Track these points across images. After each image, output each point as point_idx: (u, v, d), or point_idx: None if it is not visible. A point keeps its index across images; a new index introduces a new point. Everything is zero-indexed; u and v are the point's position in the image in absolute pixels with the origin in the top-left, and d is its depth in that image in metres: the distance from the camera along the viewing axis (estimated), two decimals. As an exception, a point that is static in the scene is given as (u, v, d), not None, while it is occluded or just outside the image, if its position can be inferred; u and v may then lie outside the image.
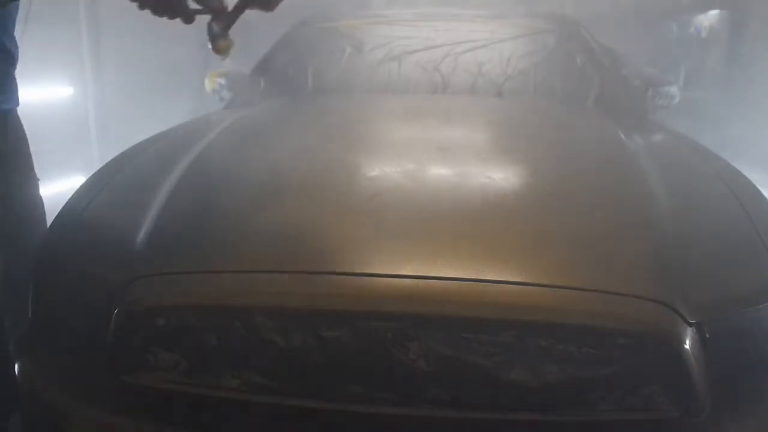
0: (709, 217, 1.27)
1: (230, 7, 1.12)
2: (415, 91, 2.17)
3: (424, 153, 1.48)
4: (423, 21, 2.51)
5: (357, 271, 1.03)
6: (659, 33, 5.92)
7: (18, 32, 1.39)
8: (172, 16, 1.09)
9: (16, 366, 1.22)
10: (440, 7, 2.84)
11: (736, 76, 5.55)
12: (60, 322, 1.20)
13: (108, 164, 1.57)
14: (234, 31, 1.13)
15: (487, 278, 1.01)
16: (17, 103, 1.42)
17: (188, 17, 1.10)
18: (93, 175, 1.52)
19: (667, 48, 5.85)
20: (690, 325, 0.98)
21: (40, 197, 1.50)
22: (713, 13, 5.76)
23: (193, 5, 1.10)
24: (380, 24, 2.51)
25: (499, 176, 1.36)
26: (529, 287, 1.01)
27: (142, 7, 1.07)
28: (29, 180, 1.47)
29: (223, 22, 1.11)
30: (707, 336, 0.99)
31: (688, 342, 0.96)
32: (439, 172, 1.39)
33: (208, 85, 2.66)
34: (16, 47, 1.39)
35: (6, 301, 1.30)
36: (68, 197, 1.42)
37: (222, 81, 2.61)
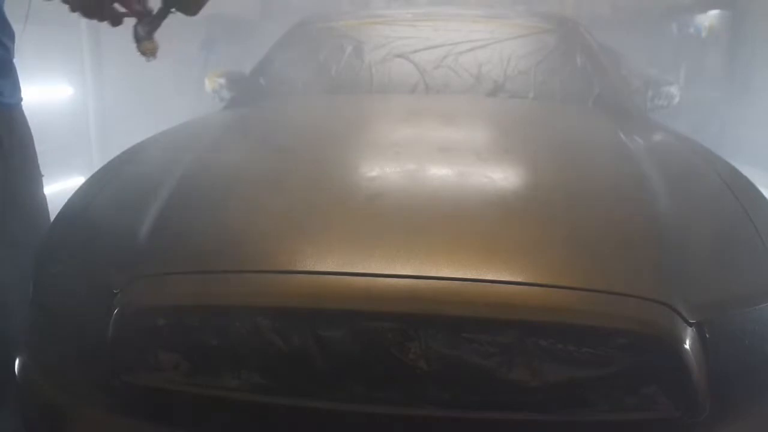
0: (708, 217, 1.27)
1: (154, 11, 1.21)
2: (414, 92, 2.17)
3: (424, 153, 1.48)
4: (423, 21, 2.51)
5: (357, 271, 1.03)
6: (659, 33, 5.92)
7: (18, 32, 1.39)
8: (101, 19, 1.19)
9: (16, 365, 1.22)
10: (440, 7, 2.84)
11: (736, 76, 5.55)
12: (60, 321, 1.20)
13: (108, 164, 1.57)
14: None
15: (487, 278, 1.01)
16: (20, 98, 1.41)
17: (116, 20, 1.20)
18: (93, 175, 1.52)
19: (667, 48, 5.85)
20: (690, 325, 0.98)
21: (44, 195, 1.49)
22: (713, 13, 5.77)
23: (121, 9, 1.20)
24: (380, 24, 2.50)
25: (499, 176, 1.36)
26: (529, 287, 1.01)
27: (73, 9, 1.17)
28: (34, 177, 1.47)
29: (147, 26, 1.20)
30: (707, 336, 0.99)
31: (688, 342, 0.96)
32: (439, 172, 1.39)
33: (208, 85, 2.66)
34: (8, 37, 1.37)
35: (7, 299, 1.30)
36: (68, 197, 1.42)
37: (222, 81, 2.61)
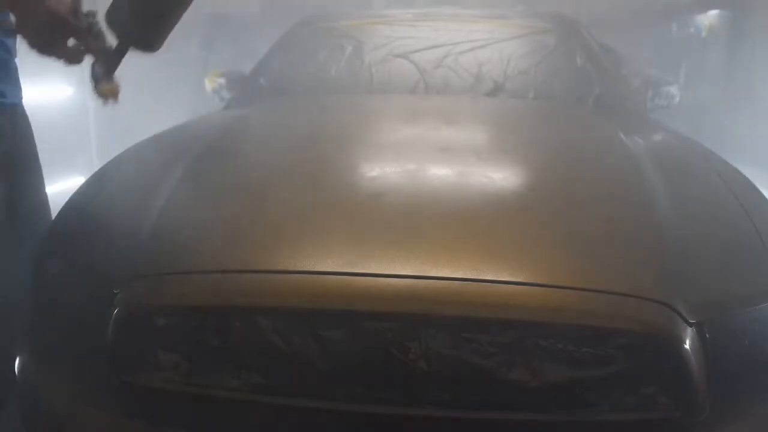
0: (709, 217, 1.27)
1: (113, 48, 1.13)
2: (414, 92, 2.17)
3: (424, 153, 1.48)
4: (423, 21, 2.51)
5: (357, 271, 1.03)
6: (659, 33, 5.93)
7: None
8: (58, 57, 1.12)
9: (17, 364, 1.22)
10: (440, 7, 2.85)
11: (736, 76, 5.55)
12: (60, 321, 1.20)
13: (108, 164, 1.57)
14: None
15: (487, 278, 1.01)
16: (21, 98, 1.41)
17: (73, 57, 1.12)
18: (93, 174, 1.52)
19: (667, 48, 5.85)
20: (690, 325, 0.98)
21: (46, 195, 1.50)
22: (713, 13, 5.77)
23: (80, 47, 1.12)
24: (380, 24, 2.51)
25: (499, 177, 1.36)
26: (529, 287, 1.01)
27: (30, 45, 1.12)
28: (37, 177, 1.47)
29: (105, 65, 1.11)
30: (707, 336, 0.99)
31: (688, 342, 0.96)
32: (440, 172, 1.39)
33: (208, 85, 2.66)
34: (13, 42, 1.37)
35: (10, 298, 1.30)
36: (68, 197, 1.42)
37: (222, 81, 2.61)
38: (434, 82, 2.18)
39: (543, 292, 1.00)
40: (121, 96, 1.18)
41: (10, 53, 1.37)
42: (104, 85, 1.11)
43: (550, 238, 1.12)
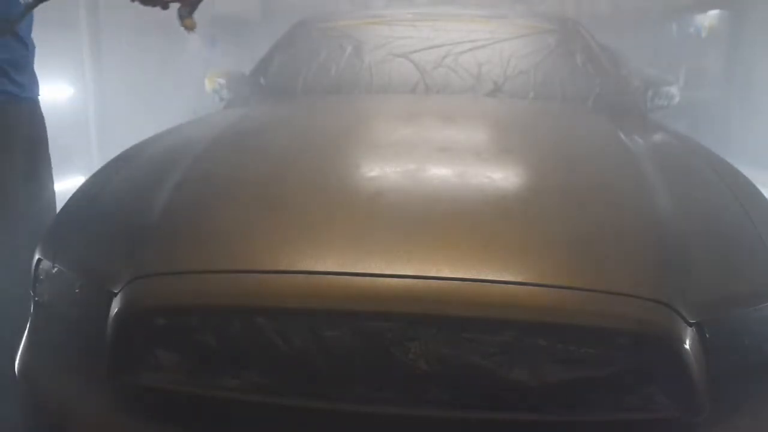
0: (709, 217, 1.27)
1: None
2: (414, 92, 2.17)
3: (424, 153, 1.48)
4: (423, 21, 2.51)
5: (357, 271, 1.03)
6: (659, 33, 5.93)
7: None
8: (153, 5, 1.47)
9: (16, 364, 1.22)
10: (440, 7, 2.84)
11: (736, 76, 5.55)
12: (60, 321, 1.20)
13: (108, 164, 1.57)
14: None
15: (487, 278, 1.01)
16: (37, 95, 1.46)
17: (165, 5, 1.49)
18: (94, 174, 1.52)
19: (667, 48, 5.86)
20: (690, 325, 0.98)
21: (54, 192, 1.51)
22: (713, 13, 5.78)
23: None
24: (380, 24, 2.50)
25: (499, 176, 1.36)
26: (529, 287, 1.01)
27: None
28: (46, 174, 1.49)
29: (188, 7, 1.51)
30: (707, 336, 0.99)
31: (688, 342, 0.96)
32: (440, 172, 1.39)
33: (208, 85, 2.66)
34: (30, 41, 1.42)
35: (11, 298, 1.31)
36: (68, 197, 1.43)
37: (222, 81, 2.61)
38: (434, 82, 2.18)
39: (543, 292, 1.00)
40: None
41: (30, 53, 1.41)
42: (187, 21, 1.51)
43: (550, 238, 1.12)
